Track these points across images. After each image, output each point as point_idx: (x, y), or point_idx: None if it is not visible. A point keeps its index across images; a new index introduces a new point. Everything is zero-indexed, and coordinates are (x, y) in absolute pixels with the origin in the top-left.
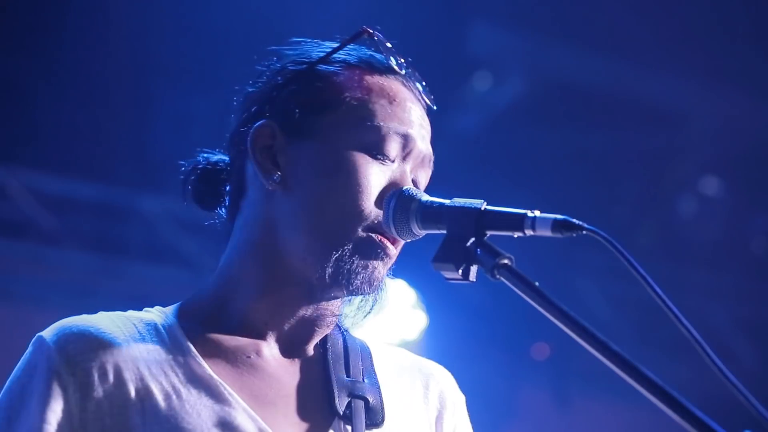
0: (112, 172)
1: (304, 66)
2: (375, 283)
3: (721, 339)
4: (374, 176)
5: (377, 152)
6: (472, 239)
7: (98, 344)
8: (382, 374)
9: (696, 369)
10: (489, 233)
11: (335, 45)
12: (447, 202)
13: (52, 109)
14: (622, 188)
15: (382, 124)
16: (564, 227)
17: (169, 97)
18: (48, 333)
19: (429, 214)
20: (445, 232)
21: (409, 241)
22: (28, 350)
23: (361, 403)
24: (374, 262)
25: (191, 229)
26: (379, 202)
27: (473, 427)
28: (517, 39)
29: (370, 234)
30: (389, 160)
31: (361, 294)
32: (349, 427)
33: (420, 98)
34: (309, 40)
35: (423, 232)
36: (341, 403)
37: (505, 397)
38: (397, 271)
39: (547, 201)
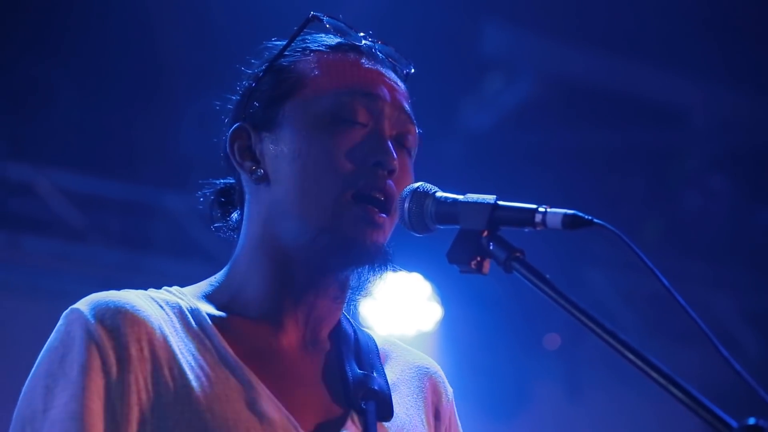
0: (137, 170)
1: (264, 67)
2: (367, 254)
3: (726, 329)
4: (342, 140)
5: (342, 118)
6: (486, 233)
7: (134, 320)
8: (387, 369)
9: (703, 358)
10: (501, 227)
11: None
12: (460, 197)
13: (80, 110)
14: (630, 183)
15: (339, 91)
16: (574, 221)
17: (193, 98)
18: (84, 306)
19: (443, 210)
20: (459, 226)
21: (423, 235)
22: (61, 322)
23: (373, 396)
24: (361, 232)
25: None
26: (358, 165)
27: (488, 416)
28: (528, 39)
29: (356, 205)
30: (357, 123)
31: (355, 265)
32: (363, 420)
33: (384, 64)
34: (276, 40)
35: (438, 227)
36: (356, 396)
37: (518, 386)
38: (413, 265)
39: (558, 196)
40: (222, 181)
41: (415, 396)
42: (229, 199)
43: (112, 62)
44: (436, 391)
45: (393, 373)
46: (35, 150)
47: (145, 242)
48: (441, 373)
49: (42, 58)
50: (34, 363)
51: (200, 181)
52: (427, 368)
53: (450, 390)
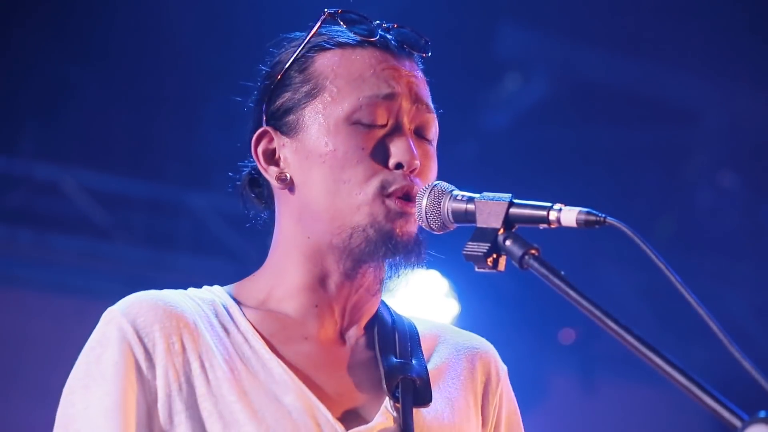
0: (162, 169)
1: (282, 67)
2: (403, 244)
3: (737, 324)
4: (365, 142)
5: (360, 120)
6: (501, 231)
7: (166, 316)
8: (429, 353)
9: (714, 353)
10: (517, 225)
11: (308, 33)
12: (477, 196)
13: (106, 111)
14: (642, 181)
15: (357, 94)
16: (588, 219)
17: (216, 99)
18: (119, 306)
19: (460, 208)
20: (475, 224)
21: (440, 233)
22: (100, 322)
23: (409, 383)
24: (395, 225)
25: (237, 223)
26: (381, 166)
27: None
28: (543, 41)
29: (384, 201)
30: (378, 124)
31: (393, 257)
32: (398, 407)
33: (400, 55)
34: (289, 35)
35: (455, 225)
36: (390, 384)
37: (534, 380)
38: (430, 262)
39: (572, 194)
40: (247, 171)
41: (461, 378)
42: (259, 195)
43: (137, 62)
44: (485, 371)
45: (439, 357)
46: (61, 150)
47: (170, 240)
48: (492, 351)
49: (67, 59)
50: (62, 357)
51: (227, 178)
52: (476, 348)
53: (503, 368)
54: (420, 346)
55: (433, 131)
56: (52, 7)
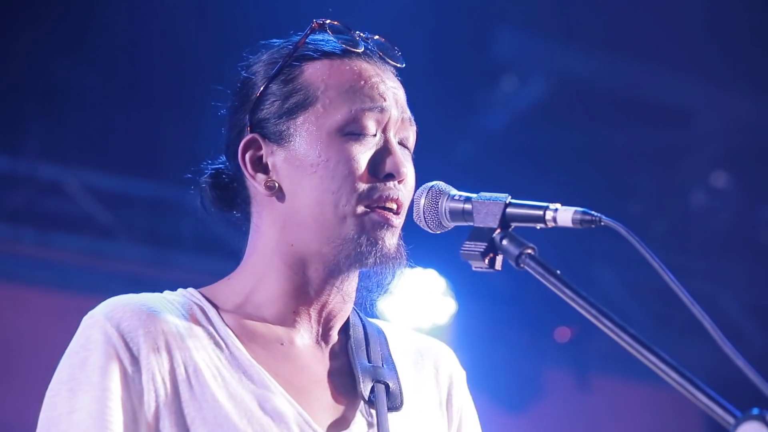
0: (163, 169)
1: (267, 76)
2: (388, 255)
3: (731, 323)
4: (356, 153)
5: (353, 132)
6: (498, 231)
7: (150, 321)
8: (398, 358)
9: (707, 351)
10: (513, 225)
11: (296, 39)
12: (474, 196)
13: (108, 112)
14: (637, 182)
15: (350, 107)
16: (583, 219)
17: (219, 98)
18: (102, 310)
19: (457, 208)
20: (472, 224)
21: (438, 233)
22: (82, 326)
23: (382, 388)
24: (381, 236)
25: (238, 222)
26: (372, 176)
27: (501, 406)
28: (539, 43)
29: (371, 210)
30: (368, 135)
31: (379, 267)
32: (373, 411)
33: (384, 68)
34: (267, 42)
35: (452, 225)
36: (365, 389)
37: (530, 377)
38: (428, 261)
39: (568, 195)
40: (210, 172)
41: (427, 383)
42: (223, 197)
43: (140, 64)
44: (447, 375)
45: (405, 361)
46: (64, 150)
47: (172, 239)
48: (453, 356)
49: (70, 60)
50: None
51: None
52: (439, 353)
53: (462, 373)
54: (390, 351)
55: (413, 141)
56: (55, 9)
